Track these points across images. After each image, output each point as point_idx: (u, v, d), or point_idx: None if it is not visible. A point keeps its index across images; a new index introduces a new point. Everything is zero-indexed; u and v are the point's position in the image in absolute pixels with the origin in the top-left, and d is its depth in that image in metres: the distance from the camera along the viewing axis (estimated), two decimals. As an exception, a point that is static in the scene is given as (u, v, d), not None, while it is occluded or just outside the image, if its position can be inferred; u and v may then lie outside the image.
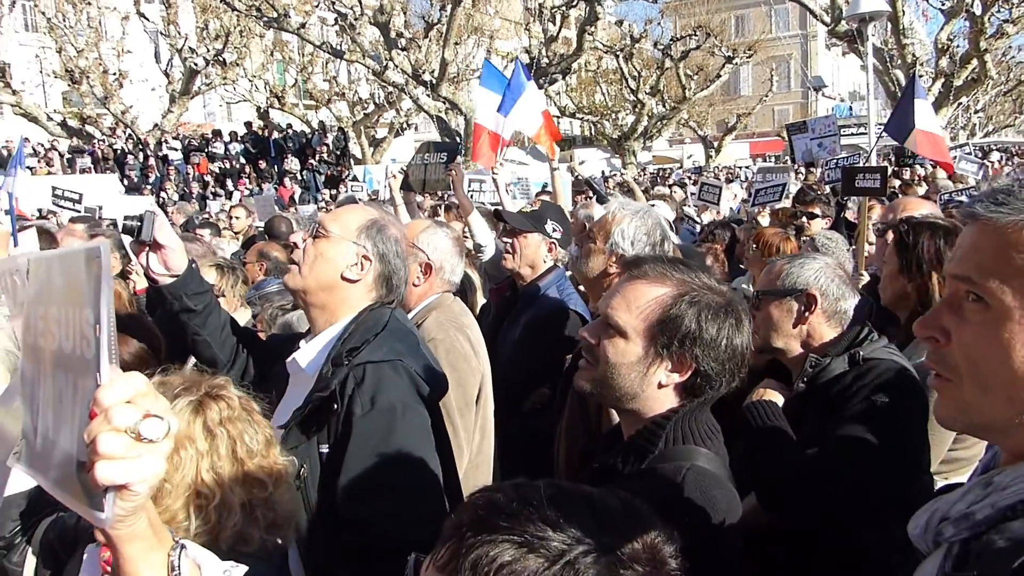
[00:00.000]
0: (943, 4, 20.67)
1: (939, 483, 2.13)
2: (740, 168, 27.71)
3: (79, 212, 8.41)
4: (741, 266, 5.05)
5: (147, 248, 1.88)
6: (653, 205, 4.06)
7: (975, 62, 19.72)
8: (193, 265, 1.99)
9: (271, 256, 4.66)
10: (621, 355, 1.51)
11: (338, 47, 22.85)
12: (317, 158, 22.99)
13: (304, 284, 1.92)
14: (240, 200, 14.44)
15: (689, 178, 20.62)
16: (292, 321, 2.89)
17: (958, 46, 21.12)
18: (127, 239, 1.89)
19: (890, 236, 3.33)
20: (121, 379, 0.84)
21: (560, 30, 23.59)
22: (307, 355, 1.92)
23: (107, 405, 0.83)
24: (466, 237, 4.85)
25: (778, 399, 2.08)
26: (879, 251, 3.48)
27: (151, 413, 0.84)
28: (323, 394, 1.75)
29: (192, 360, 2.46)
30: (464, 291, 3.82)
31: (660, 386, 1.51)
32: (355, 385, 1.75)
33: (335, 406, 1.74)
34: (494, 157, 6.23)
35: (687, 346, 1.48)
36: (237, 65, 27.63)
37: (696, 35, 28.08)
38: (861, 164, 7.05)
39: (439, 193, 8.28)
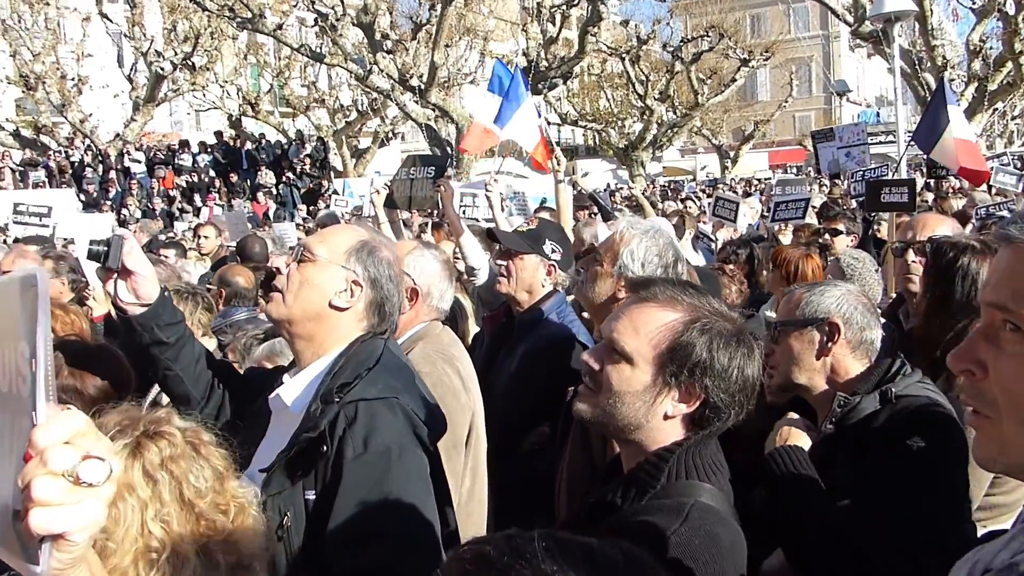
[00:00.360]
0: (974, 3, 20.95)
1: (978, 531, 2.13)
2: (759, 180, 27.84)
3: (47, 228, 8.37)
4: (764, 289, 5.01)
5: (115, 275, 1.89)
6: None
7: (1010, 65, 19.93)
8: (166, 293, 1.99)
9: (231, 282, 4.66)
10: (626, 383, 1.53)
11: (318, 50, 23.04)
12: (296, 171, 23.08)
13: (288, 314, 1.89)
14: (209, 217, 14.46)
15: (703, 191, 20.71)
16: (277, 348, 2.87)
17: (991, 48, 21.35)
18: (93, 265, 1.90)
19: (910, 256, 3.37)
20: (58, 418, 0.84)
21: (560, 31, 23.82)
22: (292, 391, 1.89)
23: (43, 447, 0.82)
24: (457, 259, 4.86)
25: (804, 442, 2.04)
26: (900, 271, 3.52)
27: (91, 454, 0.84)
28: (311, 435, 1.72)
29: (154, 391, 2.45)
30: (454, 319, 3.82)
31: (666, 417, 1.54)
32: (346, 425, 1.73)
33: (324, 448, 1.72)
34: (481, 148, 6.38)
35: (697, 376, 1.51)
36: (207, 70, 27.78)
37: (708, 36, 28.36)
38: (889, 176, 7.10)
39: (427, 210, 8.31)
